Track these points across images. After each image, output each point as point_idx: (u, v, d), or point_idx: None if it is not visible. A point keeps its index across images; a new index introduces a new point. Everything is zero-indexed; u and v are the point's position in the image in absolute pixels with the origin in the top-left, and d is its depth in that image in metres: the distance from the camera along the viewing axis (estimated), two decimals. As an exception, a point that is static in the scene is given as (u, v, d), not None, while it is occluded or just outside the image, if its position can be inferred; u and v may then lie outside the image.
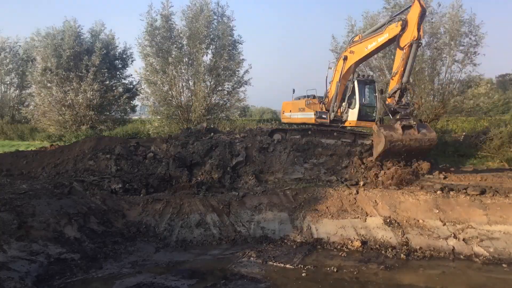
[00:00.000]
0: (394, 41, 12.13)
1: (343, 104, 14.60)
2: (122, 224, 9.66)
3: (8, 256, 6.93)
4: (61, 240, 8.02)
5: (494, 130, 17.28)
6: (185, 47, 22.52)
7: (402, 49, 11.45)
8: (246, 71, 23.08)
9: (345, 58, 13.93)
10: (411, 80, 11.42)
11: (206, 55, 22.49)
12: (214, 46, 22.67)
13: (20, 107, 33.01)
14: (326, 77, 14.68)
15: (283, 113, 17.32)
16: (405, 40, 11.44)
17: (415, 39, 11.24)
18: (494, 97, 21.47)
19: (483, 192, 9.88)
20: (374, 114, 14.94)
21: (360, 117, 14.48)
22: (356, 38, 14.13)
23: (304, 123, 15.34)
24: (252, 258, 8.26)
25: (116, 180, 11.53)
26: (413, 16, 11.30)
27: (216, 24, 22.74)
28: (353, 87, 14.46)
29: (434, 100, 20.35)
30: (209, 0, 22.46)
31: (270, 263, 8.06)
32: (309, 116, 15.01)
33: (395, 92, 11.68)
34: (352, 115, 14.62)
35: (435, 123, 20.29)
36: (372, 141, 12.22)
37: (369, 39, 13.26)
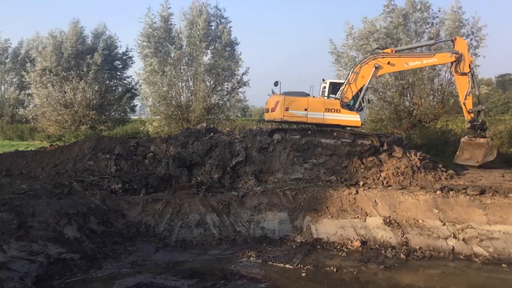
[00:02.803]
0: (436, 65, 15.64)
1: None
2: (122, 224, 9.65)
3: (8, 256, 6.92)
4: (61, 240, 8.01)
5: (494, 130, 17.30)
6: (184, 47, 22.58)
7: (464, 74, 14.02)
8: (245, 73, 23.16)
9: (378, 67, 14.33)
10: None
11: (206, 55, 22.59)
12: (213, 46, 22.74)
13: (19, 107, 33.04)
14: (348, 80, 14.65)
15: (287, 109, 14.41)
16: (466, 67, 13.99)
17: (472, 62, 14.23)
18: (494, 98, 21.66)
19: (482, 192, 9.88)
20: None
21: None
22: (388, 51, 14.69)
23: (338, 125, 14.62)
24: (252, 258, 8.26)
25: (116, 180, 11.53)
26: (463, 48, 14.10)
27: (215, 25, 22.85)
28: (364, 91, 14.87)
29: (433, 100, 20.36)
30: (207, 2, 22.73)
31: (270, 263, 8.06)
32: (350, 118, 14.35)
33: (480, 112, 14.11)
34: (360, 117, 14.78)
35: (434, 123, 20.30)
36: (480, 150, 13.82)
37: (410, 57, 14.59)
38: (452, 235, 9.04)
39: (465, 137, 14.62)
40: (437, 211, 9.57)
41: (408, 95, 21.09)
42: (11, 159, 14.52)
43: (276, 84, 14.93)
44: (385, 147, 13.36)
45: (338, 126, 14.57)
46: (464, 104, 14.19)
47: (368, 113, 22.20)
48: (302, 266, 7.89)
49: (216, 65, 22.08)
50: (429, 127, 19.79)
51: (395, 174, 12.10)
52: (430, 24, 20.26)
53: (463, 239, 8.91)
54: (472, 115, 14.12)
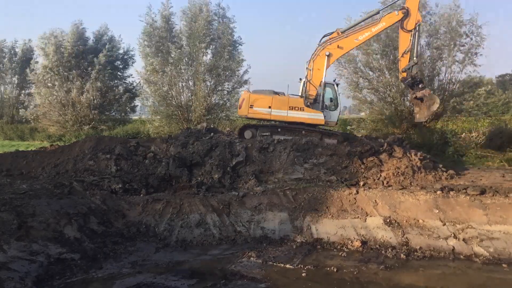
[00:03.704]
0: (386, 28, 14.72)
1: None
2: (122, 224, 9.65)
3: (8, 256, 6.92)
4: (61, 240, 8.01)
5: (494, 130, 17.33)
6: (184, 47, 22.56)
7: (409, 31, 13.93)
8: (246, 71, 23.13)
9: (329, 55, 14.28)
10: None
11: (206, 55, 22.56)
12: (214, 46, 22.71)
13: (19, 107, 33.10)
14: (306, 77, 14.68)
15: (252, 107, 14.70)
16: (411, 24, 13.86)
17: (419, 21, 14.06)
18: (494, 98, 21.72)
19: (483, 192, 9.87)
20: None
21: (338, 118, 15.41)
22: (334, 35, 14.52)
23: (302, 123, 14.73)
24: (252, 258, 8.26)
25: (116, 180, 11.52)
26: (414, 3, 13.91)
27: (216, 24, 22.80)
28: (334, 87, 15.02)
29: (434, 100, 20.29)
30: (208, 1, 22.61)
31: (270, 263, 8.06)
32: (314, 116, 14.47)
33: (412, 67, 14.04)
34: (333, 117, 14.99)
35: (435, 123, 20.30)
36: (423, 104, 14.26)
37: (358, 32, 14.35)
38: (453, 235, 9.04)
39: (409, 95, 14.83)
40: (437, 211, 9.57)
41: (409, 95, 21.05)
42: (11, 159, 14.50)
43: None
44: (385, 147, 13.37)
45: (302, 124, 14.73)
46: (400, 60, 14.31)
47: (368, 113, 22.24)
48: (302, 266, 7.89)
49: (216, 65, 22.06)
50: (429, 127, 19.79)
51: (395, 174, 12.10)
52: (429, 21, 20.17)
53: (464, 239, 8.90)
54: (405, 74, 14.16)
